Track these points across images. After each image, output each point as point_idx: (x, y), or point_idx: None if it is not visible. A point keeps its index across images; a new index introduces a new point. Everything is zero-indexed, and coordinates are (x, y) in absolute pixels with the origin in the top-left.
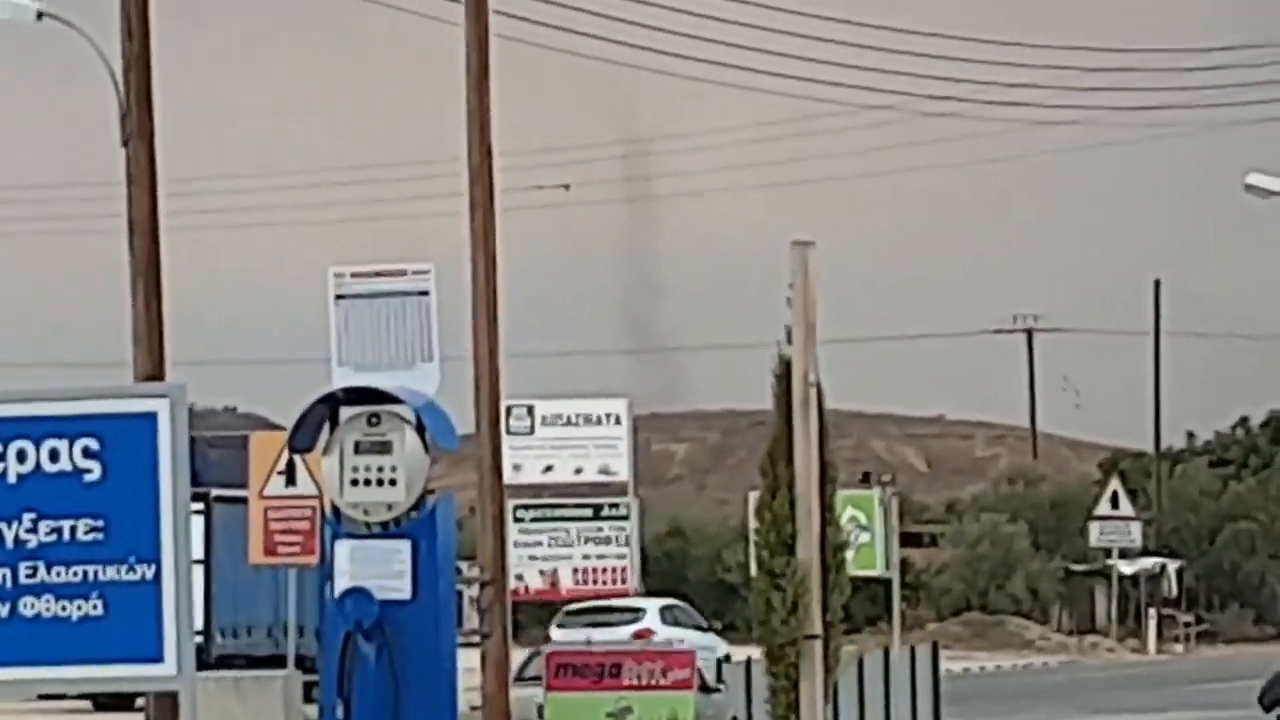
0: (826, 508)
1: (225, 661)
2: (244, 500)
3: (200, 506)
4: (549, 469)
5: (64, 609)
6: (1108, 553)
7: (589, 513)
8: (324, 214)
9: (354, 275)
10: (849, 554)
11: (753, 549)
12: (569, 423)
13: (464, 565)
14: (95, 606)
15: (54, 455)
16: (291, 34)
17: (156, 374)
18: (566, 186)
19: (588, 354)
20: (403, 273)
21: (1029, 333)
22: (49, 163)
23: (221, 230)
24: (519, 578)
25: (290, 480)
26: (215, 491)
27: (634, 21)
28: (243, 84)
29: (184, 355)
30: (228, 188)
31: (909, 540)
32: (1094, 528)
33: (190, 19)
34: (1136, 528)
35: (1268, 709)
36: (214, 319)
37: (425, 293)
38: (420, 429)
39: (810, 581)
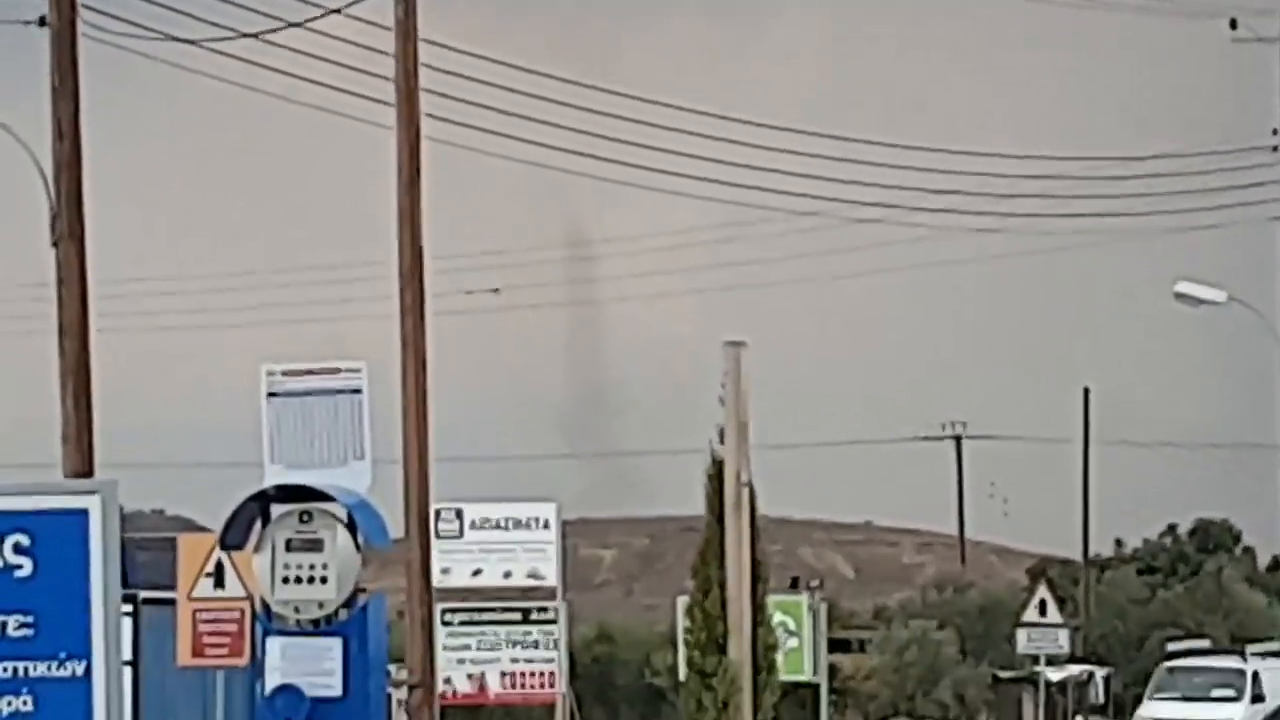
0: (758, 607)
1: None
2: (171, 602)
3: (129, 608)
4: (477, 573)
5: None
6: (1035, 659)
7: (517, 617)
8: (255, 316)
9: (286, 373)
10: (778, 658)
11: (683, 649)
12: (498, 526)
13: (393, 668)
14: (25, 703)
15: None
16: (222, 134)
17: (86, 473)
18: (496, 290)
19: (519, 459)
20: (335, 371)
21: (957, 440)
22: None
23: (151, 332)
24: (447, 681)
25: (219, 582)
26: (143, 594)
27: (565, 126)
28: (174, 185)
29: (113, 457)
30: (158, 289)
31: (837, 646)
32: (1021, 634)
33: (121, 120)
34: (1064, 634)
35: None
36: (142, 421)
37: (358, 390)
38: (352, 527)
39: (741, 681)
